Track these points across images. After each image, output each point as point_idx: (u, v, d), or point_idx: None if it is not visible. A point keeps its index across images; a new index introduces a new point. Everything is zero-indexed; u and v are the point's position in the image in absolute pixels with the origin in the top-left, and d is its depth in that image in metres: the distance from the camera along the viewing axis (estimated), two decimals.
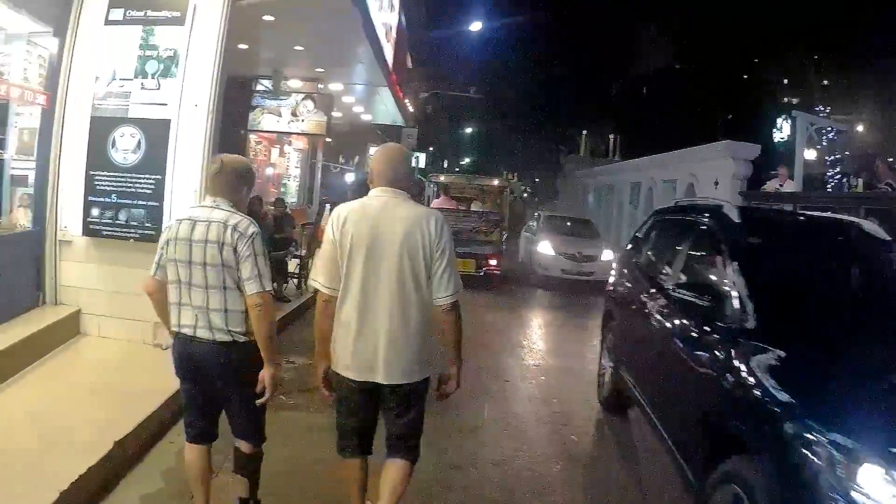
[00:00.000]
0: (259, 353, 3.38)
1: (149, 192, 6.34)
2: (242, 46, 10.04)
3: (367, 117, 19.41)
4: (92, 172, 6.37)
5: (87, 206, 6.40)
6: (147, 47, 6.34)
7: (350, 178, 24.60)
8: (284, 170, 17.91)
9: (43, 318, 6.27)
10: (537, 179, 58.46)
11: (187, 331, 3.38)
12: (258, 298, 3.28)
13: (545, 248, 15.10)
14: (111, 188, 6.36)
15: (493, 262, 13.60)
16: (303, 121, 12.95)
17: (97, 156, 6.36)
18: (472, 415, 6.09)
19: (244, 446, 3.59)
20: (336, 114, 15.29)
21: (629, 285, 6.39)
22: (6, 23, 5.91)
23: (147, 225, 6.35)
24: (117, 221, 6.38)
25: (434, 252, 3.26)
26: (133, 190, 6.35)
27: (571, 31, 38.47)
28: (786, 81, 26.85)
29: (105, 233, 6.41)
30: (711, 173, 16.60)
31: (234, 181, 3.51)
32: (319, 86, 13.08)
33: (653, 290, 5.46)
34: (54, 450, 4.21)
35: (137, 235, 6.37)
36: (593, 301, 12.18)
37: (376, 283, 3.25)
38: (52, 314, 6.38)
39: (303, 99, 12.89)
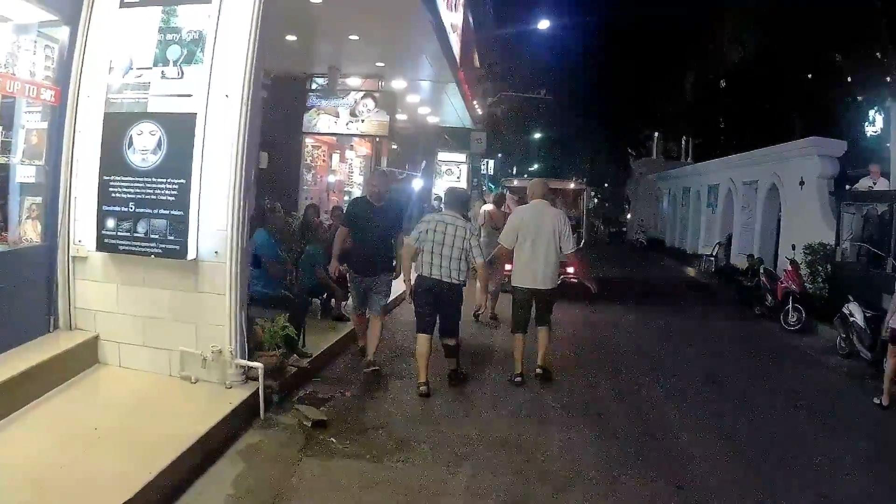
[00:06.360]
0: (462, 289, 6.62)
1: (171, 199, 5.41)
2: (291, 38, 9.18)
3: (433, 119, 18.68)
4: (106, 177, 5.50)
5: (102, 217, 5.53)
6: (168, 30, 5.43)
7: (418, 185, 22.37)
8: (346, 177, 17.05)
9: (55, 345, 5.50)
10: (606, 184, 56.74)
11: (436, 276, 6.41)
12: (481, 261, 6.57)
13: None
14: (128, 195, 5.47)
15: (570, 269, 11.13)
16: (363, 121, 12.01)
17: (111, 157, 5.48)
18: None
19: (451, 341, 6.69)
20: (400, 115, 14.43)
21: None
22: (11, 12, 5.20)
23: (170, 238, 5.44)
24: (136, 234, 5.48)
25: (563, 229, 6.96)
26: (153, 197, 5.44)
27: (642, 30, 36.80)
28: (854, 75, 24.66)
29: (122, 248, 5.53)
30: (796, 173, 15.63)
31: (460, 203, 7.00)
32: (381, 83, 12.12)
33: None
34: None
35: (160, 250, 5.47)
36: None
37: (540, 243, 6.90)
38: (66, 341, 5.61)
39: (362, 97, 11.96)
